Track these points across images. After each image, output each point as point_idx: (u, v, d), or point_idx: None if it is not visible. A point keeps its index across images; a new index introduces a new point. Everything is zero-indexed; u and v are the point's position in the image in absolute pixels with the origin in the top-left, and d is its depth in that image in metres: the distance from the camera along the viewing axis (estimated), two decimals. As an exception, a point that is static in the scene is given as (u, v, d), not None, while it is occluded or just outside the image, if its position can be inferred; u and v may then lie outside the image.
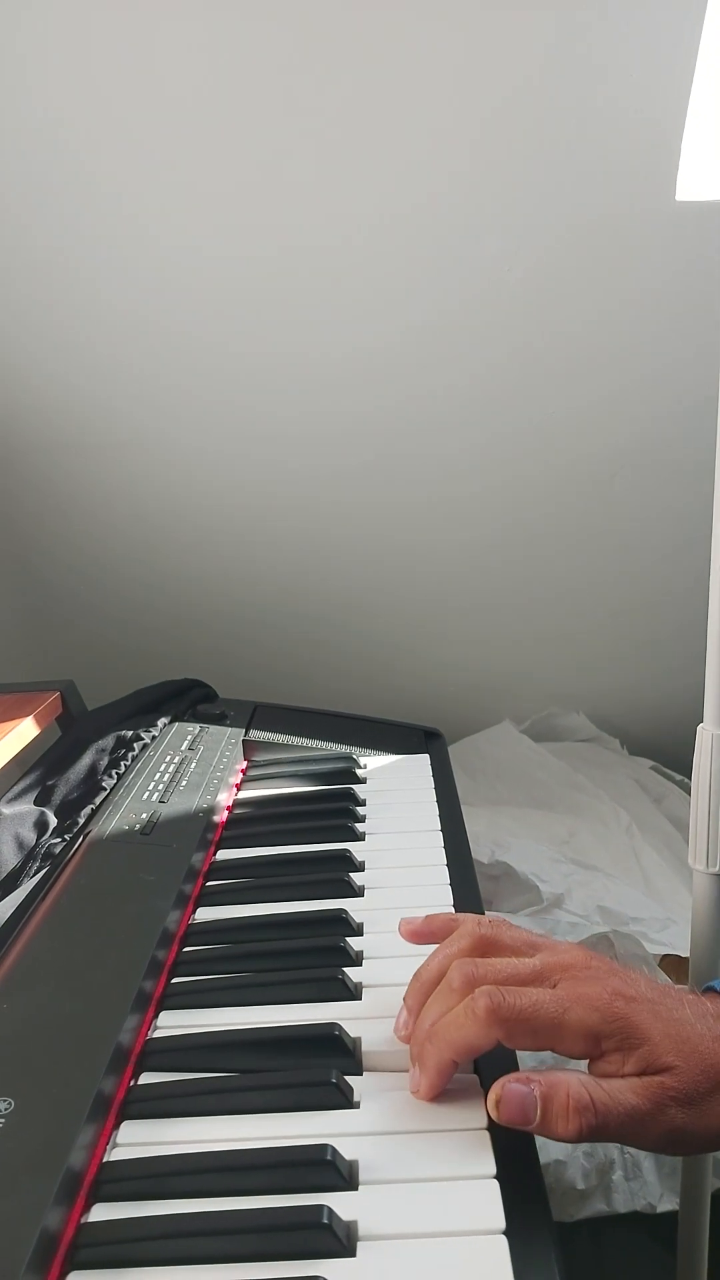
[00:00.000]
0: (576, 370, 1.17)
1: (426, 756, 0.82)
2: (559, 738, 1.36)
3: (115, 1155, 0.41)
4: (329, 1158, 0.39)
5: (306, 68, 1.03)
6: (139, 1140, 0.42)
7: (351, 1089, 0.44)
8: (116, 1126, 0.43)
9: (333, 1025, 0.47)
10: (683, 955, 0.96)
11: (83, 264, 1.12)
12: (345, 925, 0.56)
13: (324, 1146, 0.39)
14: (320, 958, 0.53)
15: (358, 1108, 0.43)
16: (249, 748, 0.81)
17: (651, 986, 0.41)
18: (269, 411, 1.21)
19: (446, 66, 1.02)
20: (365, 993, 0.51)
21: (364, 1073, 0.45)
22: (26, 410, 1.18)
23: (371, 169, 1.08)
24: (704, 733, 0.66)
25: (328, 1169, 0.39)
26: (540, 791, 1.21)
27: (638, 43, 1.00)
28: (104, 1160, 0.41)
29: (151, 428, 1.21)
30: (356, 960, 0.53)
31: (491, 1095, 0.39)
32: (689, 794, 1.31)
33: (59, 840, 0.66)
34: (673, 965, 0.97)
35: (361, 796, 0.73)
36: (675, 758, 1.38)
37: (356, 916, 0.57)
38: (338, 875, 0.61)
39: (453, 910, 0.57)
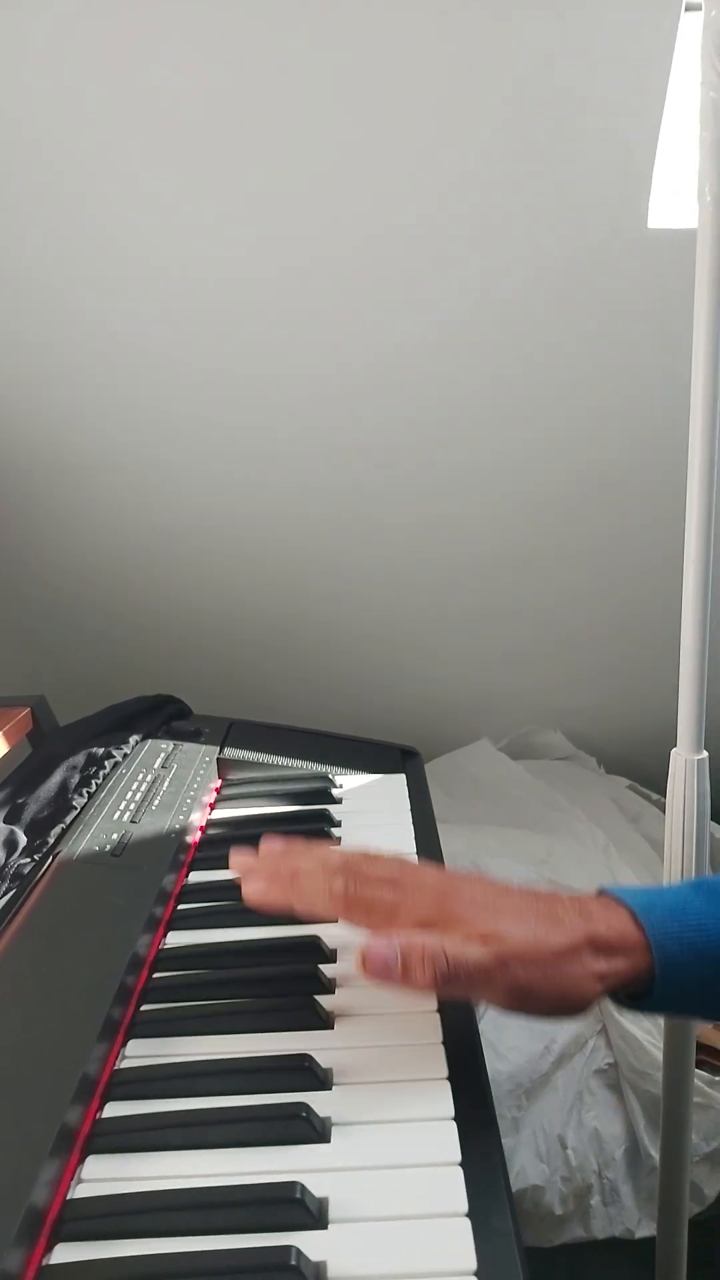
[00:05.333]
0: (557, 394, 1.18)
1: (403, 776, 0.81)
2: (537, 755, 1.36)
3: (79, 1192, 0.40)
4: (298, 1195, 0.38)
5: (295, 101, 1.03)
6: (104, 1175, 0.41)
7: (322, 1122, 0.43)
8: (81, 1161, 0.42)
9: (304, 1056, 0.46)
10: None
11: (69, 283, 1.11)
12: (318, 952, 0.55)
13: (293, 1184, 0.38)
14: (293, 985, 0.52)
15: (329, 1142, 0.42)
16: (223, 766, 0.79)
17: (488, 890, 0.47)
18: (250, 430, 1.21)
19: (434, 100, 1.02)
20: (338, 1022, 0.50)
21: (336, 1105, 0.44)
22: (7, 429, 1.17)
23: (360, 197, 1.08)
24: (677, 757, 0.66)
25: (296, 1207, 0.38)
26: (518, 809, 1.21)
27: (614, 79, 1.00)
28: (67, 1198, 0.39)
29: (133, 444, 1.21)
30: (329, 988, 0.52)
31: (357, 955, 0.43)
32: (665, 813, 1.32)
33: (28, 860, 0.64)
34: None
35: (337, 817, 0.72)
36: (652, 777, 1.38)
37: (330, 942, 0.56)
38: (312, 899, 0.60)
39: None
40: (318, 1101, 0.44)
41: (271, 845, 0.52)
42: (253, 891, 0.49)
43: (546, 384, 1.17)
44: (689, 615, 0.60)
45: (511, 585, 1.31)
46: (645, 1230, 0.91)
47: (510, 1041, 0.91)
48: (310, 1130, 0.42)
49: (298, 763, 0.81)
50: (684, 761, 0.65)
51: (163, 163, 1.06)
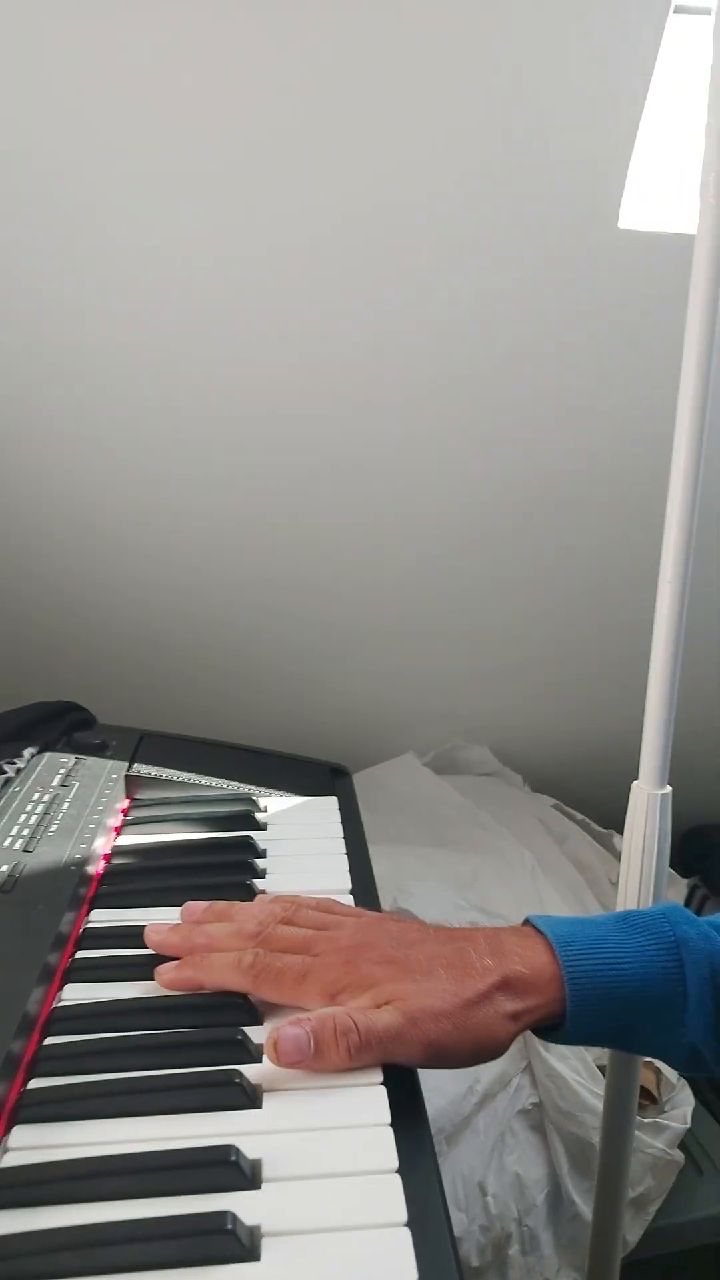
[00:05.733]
0: (507, 400, 1.12)
1: (334, 799, 0.74)
2: (461, 771, 1.30)
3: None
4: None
5: (274, 89, 0.93)
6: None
7: (250, 1232, 0.36)
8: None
9: (227, 1149, 0.38)
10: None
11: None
12: (244, 1011, 0.47)
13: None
14: (213, 1053, 0.44)
15: (258, 1260, 0.35)
16: (132, 784, 0.71)
17: (400, 941, 0.47)
18: (171, 410, 1.11)
19: (409, 90, 0.94)
20: (267, 1099, 0.42)
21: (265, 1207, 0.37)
22: None
23: (330, 181, 0.98)
24: (639, 790, 0.61)
25: None
26: (443, 828, 1.16)
27: (591, 79, 0.94)
28: None
29: (33, 413, 1.09)
30: (256, 1055, 0.45)
31: (268, 1042, 0.42)
32: (591, 835, 1.29)
33: None
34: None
35: (261, 846, 0.64)
36: (578, 797, 1.35)
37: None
38: (234, 944, 0.52)
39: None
40: (244, 1205, 0.37)
41: (190, 911, 0.52)
42: (164, 976, 0.48)
43: (494, 388, 1.12)
44: (660, 640, 0.55)
45: (443, 597, 1.25)
46: (564, 1278, 0.86)
47: (433, 1082, 0.85)
48: (236, 1246, 0.35)
49: (217, 781, 0.73)
50: (646, 795, 0.60)
51: (145, 115, 0.94)
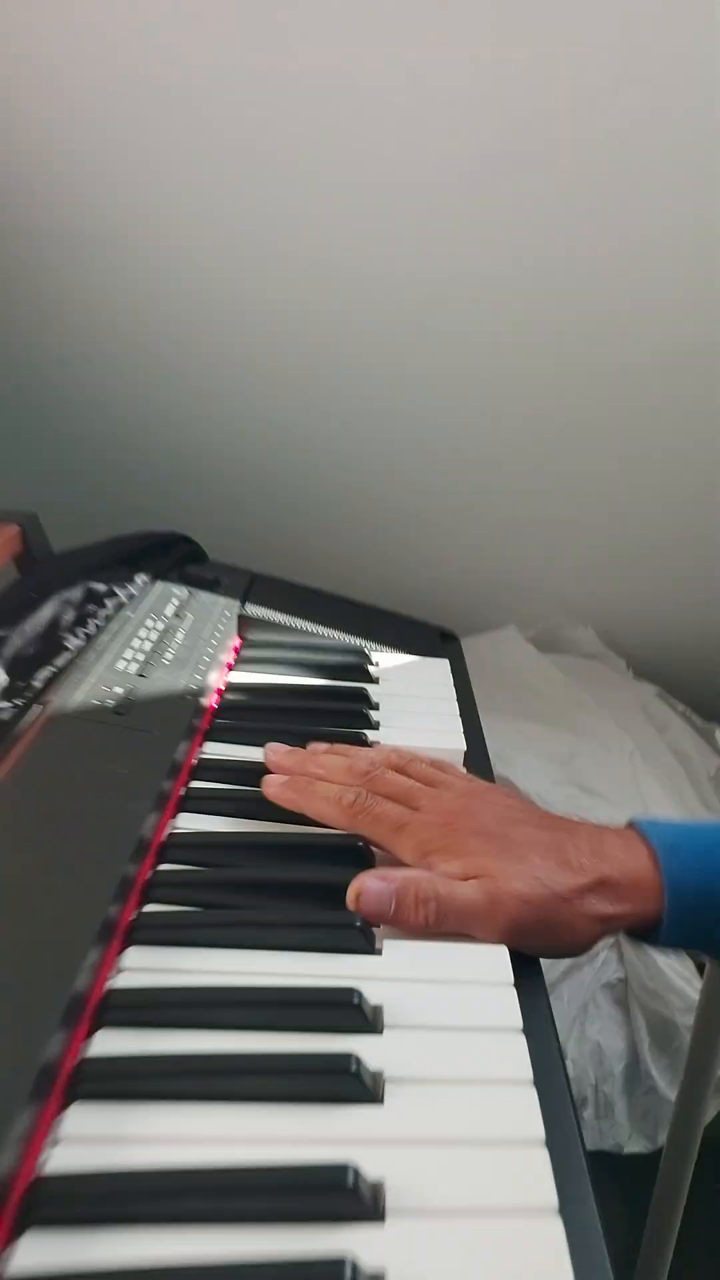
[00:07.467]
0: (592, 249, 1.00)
1: (445, 661, 0.70)
2: (563, 651, 1.26)
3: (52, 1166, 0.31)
4: (350, 1183, 0.29)
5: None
6: (90, 1133, 0.32)
7: (374, 1078, 0.34)
8: (62, 1110, 0.32)
9: (350, 991, 0.37)
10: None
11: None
12: (360, 856, 0.45)
13: (344, 1168, 0.29)
14: (330, 896, 0.42)
15: (380, 1103, 0.33)
16: (244, 624, 0.68)
17: (503, 817, 0.46)
18: (288, 241, 1.03)
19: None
20: (386, 947, 0.40)
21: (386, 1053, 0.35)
22: (22, 191, 0.99)
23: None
24: None
25: (347, 1195, 0.29)
26: (543, 705, 1.12)
27: None
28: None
29: (163, 236, 1.03)
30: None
31: (352, 891, 0.42)
32: (693, 727, 1.23)
33: (8, 705, 0.53)
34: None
35: (374, 698, 0.61)
36: (680, 683, 1.29)
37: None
38: (350, 791, 0.50)
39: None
40: (366, 1048, 0.35)
41: (313, 748, 0.52)
42: (271, 788, 0.48)
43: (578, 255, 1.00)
44: None
45: (558, 453, 1.16)
46: (635, 1146, 0.87)
47: (519, 950, 0.85)
48: (359, 1088, 0.33)
49: (327, 631, 0.70)
50: None
51: None
